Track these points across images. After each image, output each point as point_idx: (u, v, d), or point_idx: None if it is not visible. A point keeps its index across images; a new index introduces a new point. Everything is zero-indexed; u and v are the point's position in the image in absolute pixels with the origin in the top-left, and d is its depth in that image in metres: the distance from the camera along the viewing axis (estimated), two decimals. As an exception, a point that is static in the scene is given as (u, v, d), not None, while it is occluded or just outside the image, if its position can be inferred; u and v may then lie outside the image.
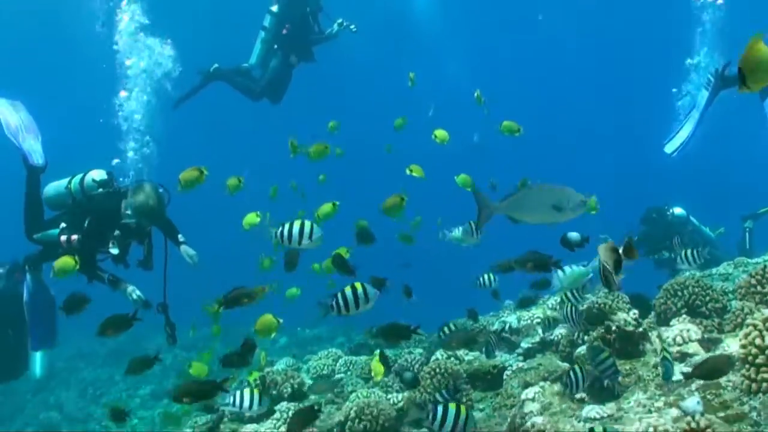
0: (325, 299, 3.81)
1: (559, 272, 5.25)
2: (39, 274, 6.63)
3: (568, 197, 3.67)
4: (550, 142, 26.23)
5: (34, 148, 6.42)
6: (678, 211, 9.13)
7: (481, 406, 5.59)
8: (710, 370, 3.67)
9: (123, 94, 7.36)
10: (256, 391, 4.52)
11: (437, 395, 4.89)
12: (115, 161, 6.77)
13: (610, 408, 4.07)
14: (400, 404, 5.82)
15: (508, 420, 4.65)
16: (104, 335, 4.68)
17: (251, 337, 5.07)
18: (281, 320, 5.13)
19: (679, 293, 5.62)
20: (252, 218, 6.51)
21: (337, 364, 7.67)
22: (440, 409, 3.46)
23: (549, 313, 6.57)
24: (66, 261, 5.31)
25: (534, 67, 27.80)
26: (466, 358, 6.33)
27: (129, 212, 5.90)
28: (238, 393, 4.53)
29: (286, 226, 4.15)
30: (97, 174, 6.13)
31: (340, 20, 10.38)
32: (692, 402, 3.69)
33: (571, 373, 4.09)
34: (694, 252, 5.75)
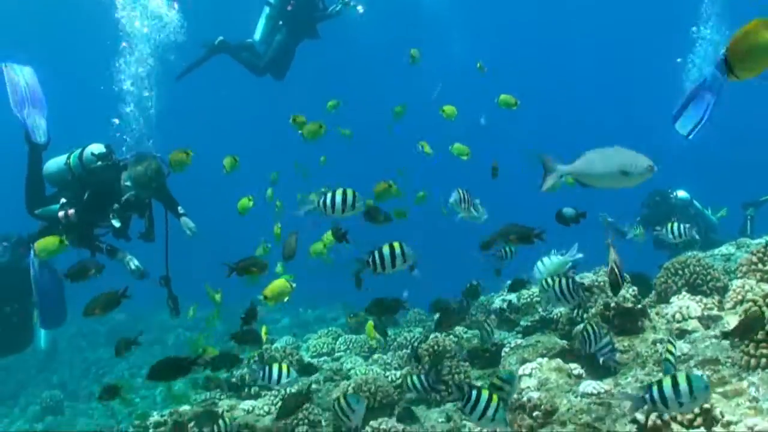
0: (362, 256, 3.77)
1: (539, 263, 5.29)
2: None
3: (636, 162, 3.57)
4: (555, 121, 26.10)
5: (37, 124, 6.42)
6: (681, 194, 9.01)
7: (479, 384, 5.56)
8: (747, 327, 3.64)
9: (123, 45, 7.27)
10: (284, 366, 4.44)
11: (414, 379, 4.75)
12: (115, 121, 6.74)
13: (607, 384, 4.04)
14: (398, 381, 5.80)
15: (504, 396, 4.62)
16: (91, 315, 4.61)
17: (255, 303, 5.06)
18: (294, 285, 5.06)
19: (680, 272, 5.58)
20: (245, 203, 6.47)
21: (337, 342, 7.66)
22: (475, 393, 3.41)
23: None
24: (49, 241, 5.23)
25: (540, 45, 27.57)
26: (465, 335, 6.30)
27: (128, 184, 5.87)
28: (267, 368, 4.46)
29: (329, 195, 4.03)
30: (96, 147, 6.08)
31: None
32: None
33: (587, 329, 4.00)
34: (681, 227, 5.69)
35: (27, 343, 7.38)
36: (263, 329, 7.06)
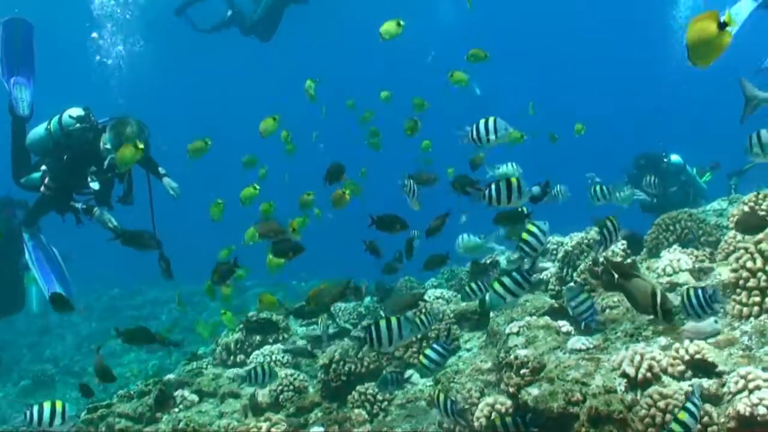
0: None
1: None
2: (36, 232, 6.54)
3: None
4: (552, 86, 25.84)
5: (22, 96, 6.33)
6: (675, 158, 8.73)
7: (468, 346, 5.46)
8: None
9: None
10: None
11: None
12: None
13: (596, 339, 3.93)
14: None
15: (492, 356, 4.51)
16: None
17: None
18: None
19: (671, 227, 5.48)
20: (250, 191, 6.30)
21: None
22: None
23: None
24: None
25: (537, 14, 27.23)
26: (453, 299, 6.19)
27: (108, 147, 5.69)
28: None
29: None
30: (74, 111, 5.95)
31: None
32: (709, 323, 3.53)
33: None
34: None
35: (20, 305, 7.29)
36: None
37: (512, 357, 3.86)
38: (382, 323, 3.53)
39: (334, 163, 5.14)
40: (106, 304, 14.83)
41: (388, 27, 5.76)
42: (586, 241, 5.44)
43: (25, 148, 6.27)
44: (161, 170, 6.09)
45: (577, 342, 3.89)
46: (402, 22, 5.72)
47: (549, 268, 5.99)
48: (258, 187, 6.19)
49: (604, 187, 4.92)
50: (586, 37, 26.86)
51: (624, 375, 3.39)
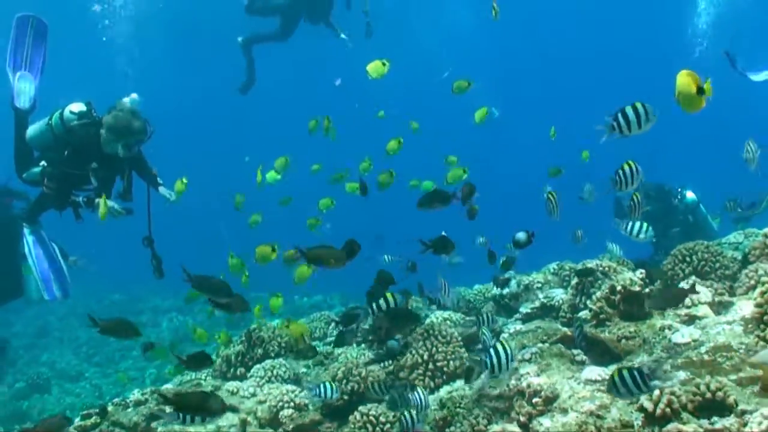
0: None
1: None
2: (37, 227, 6.44)
3: None
4: (569, 106, 25.66)
5: (24, 89, 6.23)
6: (690, 195, 8.29)
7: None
8: None
9: None
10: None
11: None
12: None
13: (612, 370, 3.78)
14: (391, 367, 5.55)
15: (503, 383, 4.37)
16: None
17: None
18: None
19: (688, 259, 5.34)
20: (273, 175, 6.23)
21: (329, 327, 7.42)
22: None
23: (550, 278, 6.28)
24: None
25: (555, 31, 27.06)
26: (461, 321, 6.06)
27: (106, 135, 5.60)
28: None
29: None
30: (76, 106, 5.86)
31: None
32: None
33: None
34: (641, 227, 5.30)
35: (18, 292, 7.22)
36: (256, 309, 6.85)
37: (524, 384, 3.72)
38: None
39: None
40: (107, 309, 14.70)
41: (375, 66, 5.74)
42: (600, 268, 5.31)
43: (27, 143, 6.18)
44: (159, 180, 6.08)
45: (592, 372, 3.76)
46: (387, 62, 5.75)
47: (559, 295, 5.86)
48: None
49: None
50: (607, 47, 26.47)
51: (641, 409, 3.25)
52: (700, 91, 3.18)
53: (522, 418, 3.64)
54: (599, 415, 3.35)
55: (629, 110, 3.42)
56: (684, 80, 3.24)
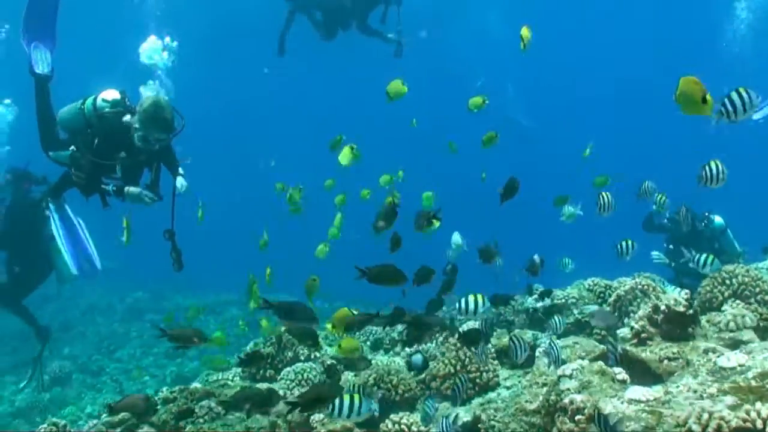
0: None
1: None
2: (62, 203, 6.47)
3: None
4: (599, 120, 25.46)
5: (41, 56, 6.20)
6: (717, 219, 8.07)
7: (508, 384, 5.26)
8: None
9: None
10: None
11: None
12: None
13: (656, 391, 3.72)
14: (422, 375, 5.51)
15: (541, 398, 4.31)
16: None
17: None
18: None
19: (728, 282, 5.24)
20: (348, 152, 6.07)
21: (356, 333, 7.37)
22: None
23: (584, 293, 6.21)
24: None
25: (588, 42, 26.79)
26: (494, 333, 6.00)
27: (137, 125, 5.54)
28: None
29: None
30: (110, 94, 5.83)
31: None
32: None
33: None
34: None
35: (47, 274, 7.29)
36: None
37: (567, 401, 3.65)
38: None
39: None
40: (129, 305, 14.77)
41: (395, 86, 5.68)
42: (640, 286, 5.24)
43: (51, 113, 6.16)
44: (180, 170, 6.02)
45: (636, 392, 3.68)
46: (404, 84, 5.71)
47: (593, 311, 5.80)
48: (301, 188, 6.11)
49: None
50: (644, 52, 26.13)
51: (689, 432, 3.18)
52: (704, 100, 3.35)
53: (564, 435, 3.58)
54: (645, 436, 3.28)
55: (735, 95, 3.42)
56: (689, 85, 3.41)
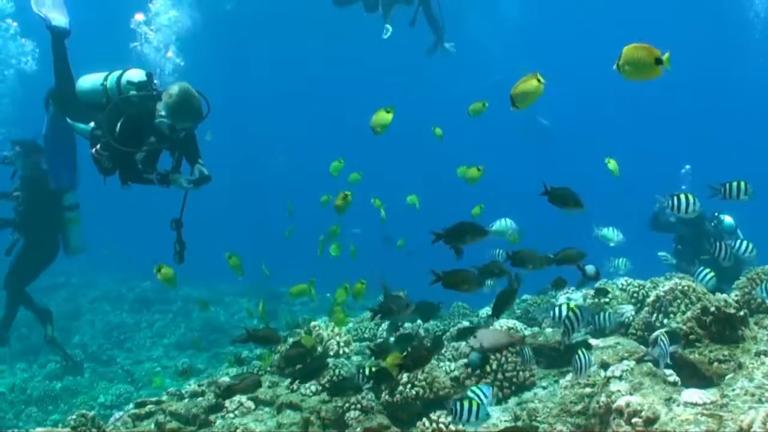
0: None
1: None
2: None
3: None
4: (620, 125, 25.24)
5: (57, 15, 6.05)
6: (727, 219, 7.87)
7: (544, 384, 5.19)
8: None
9: None
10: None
11: None
12: None
13: (713, 394, 3.65)
14: (454, 373, 5.43)
15: (586, 399, 4.24)
16: None
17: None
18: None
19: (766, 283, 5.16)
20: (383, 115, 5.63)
21: (380, 329, 7.30)
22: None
23: (618, 293, 6.13)
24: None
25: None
26: (526, 332, 5.92)
27: (163, 113, 5.27)
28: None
29: None
30: (136, 74, 5.61)
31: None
32: None
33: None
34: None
35: (57, 250, 7.20)
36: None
37: (623, 403, 3.58)
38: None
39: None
40: (138, 295, 14.69)
41: (380, 118, 5.17)
42: (680, 287, 5.16)
43: (69, 72, 6.01)
44: (200, 160, 5.75)
45: (693, 395, 3.61)
46: (390, 110, 5.21)
47: (628, 312, 5.72)
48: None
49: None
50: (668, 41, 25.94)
51: (755, 438, 3.11)
52: (659, 61, 3.35)
53: (620, 438, 3.51)
54: (706, 441, 3.21)
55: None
56: (637, 51, 3.41)
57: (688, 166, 7.47)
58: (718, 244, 5.83)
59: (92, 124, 5.76)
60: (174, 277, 5.16)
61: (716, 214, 7.78)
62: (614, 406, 3.62)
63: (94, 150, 5.59)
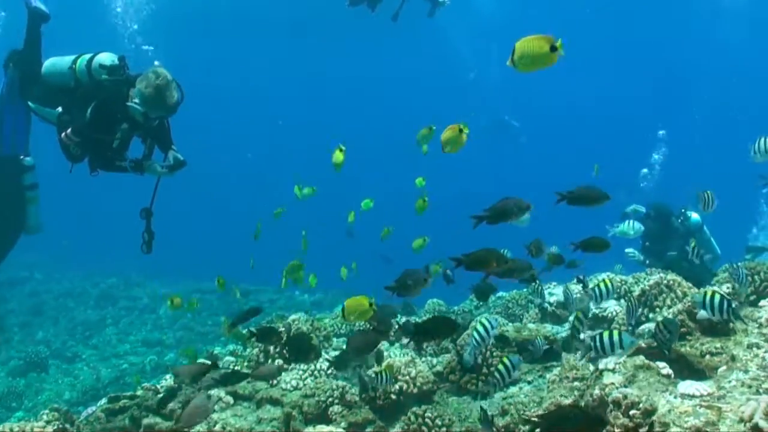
0: None
1: None
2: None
3: None
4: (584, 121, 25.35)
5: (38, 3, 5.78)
6: (694, 216, 7.81)
7: (529, 378, 5.13)
8: None
9: None
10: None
11: None
12: None
13: (709, 386, 3.61)
14: (437, 368, 5.36)
15: (576, 392, 4.18)
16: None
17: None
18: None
19: (749, 278, 5.16)
20: (337, 154, 5.75)
21: (357, 324, 7.17)
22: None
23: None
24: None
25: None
26: (509, 327, 5.86)
27: (137, 101, 4.99)
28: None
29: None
30: (107, 58, 5.29)
31: None
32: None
33: None
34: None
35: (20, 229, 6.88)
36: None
37: (619, 395, 3.51)
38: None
39: None
40: (102, 291, 14.39)
41: (335, 157, 5.42)
42: (665, 282, 5.14)
43: (38, 58, 5.71)
44: (173, 147, 5.50)
45: (689, 387, 3.57)
46: (344, 147, 5.46)
47: (612, 307, 5.70)
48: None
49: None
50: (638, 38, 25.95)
51: (756, 429, 3.06)
52: (553, 48, 3.35)
53: (617, 431, 3.45)
54: (707, 432, 3.16)
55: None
56: (527, 42, 3.40)
57: (645, 170, 7.52)
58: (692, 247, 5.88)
59: (60, 108, 5.42)
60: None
61: (683, 210, 7.76)
62: (610, 398, 3.55)
63: (63, 135, 5.23)
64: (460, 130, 4.54)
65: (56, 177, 6.03)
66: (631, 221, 6.11)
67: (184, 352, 6.93)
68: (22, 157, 6.14)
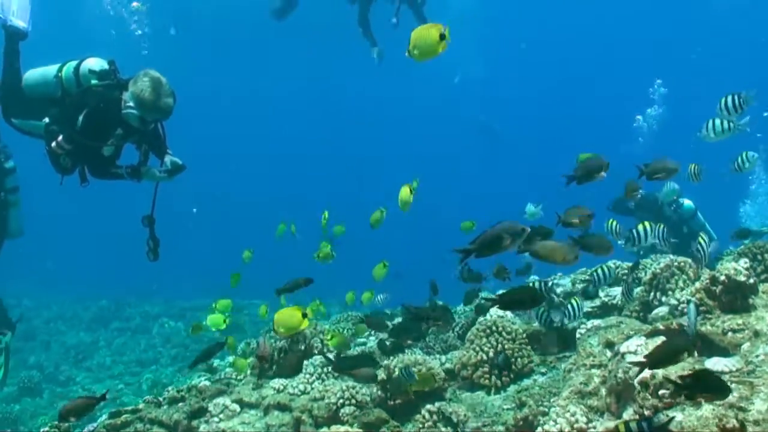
0: None
1: None
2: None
3: None
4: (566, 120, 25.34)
5: (17, 13, 5.57)
6: (687, 203, 7.80)
7: (542, 369, 5.01)
8: None
9: None
10: None
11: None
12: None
13: (737, 361, 3.49)
14: (447, 365, 5.23)
15: (597, 378, 4.06)
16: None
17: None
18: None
19: (759, 257, 5.07)
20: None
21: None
22: None
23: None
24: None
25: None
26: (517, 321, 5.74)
27: (131, 104, 4.78)
28: None
29: None
30: (96, 63, 5.09)
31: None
32: None
33: None
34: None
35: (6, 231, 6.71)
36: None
37: (648, 375, 3.39)
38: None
39: None
40: (94, 314, 14.15)
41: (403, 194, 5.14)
42: (676, 263, 5.03)
43: (18, 77, 5.44)
44: (169, 151, 5.30)
45: (717, 363, 3.45)
46: (416, 184, 5.24)
47: (620, 294, 5.59)
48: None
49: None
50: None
51: (793, 402, 2.95)
52: (442, 36, 3.49)
53: (647, 412, 3.32)
54: (741, 407, 3.04)
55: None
56: (420, 32, 3.53)
57: (639, 117, 7.45)
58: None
59: (46, 119, 5.19)
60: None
61: (675, 197, 7.67)
62: (637, 379, 3.43)
63: (54, 144, 5.01)
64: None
65: (39, 199, 5.84)
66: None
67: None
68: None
